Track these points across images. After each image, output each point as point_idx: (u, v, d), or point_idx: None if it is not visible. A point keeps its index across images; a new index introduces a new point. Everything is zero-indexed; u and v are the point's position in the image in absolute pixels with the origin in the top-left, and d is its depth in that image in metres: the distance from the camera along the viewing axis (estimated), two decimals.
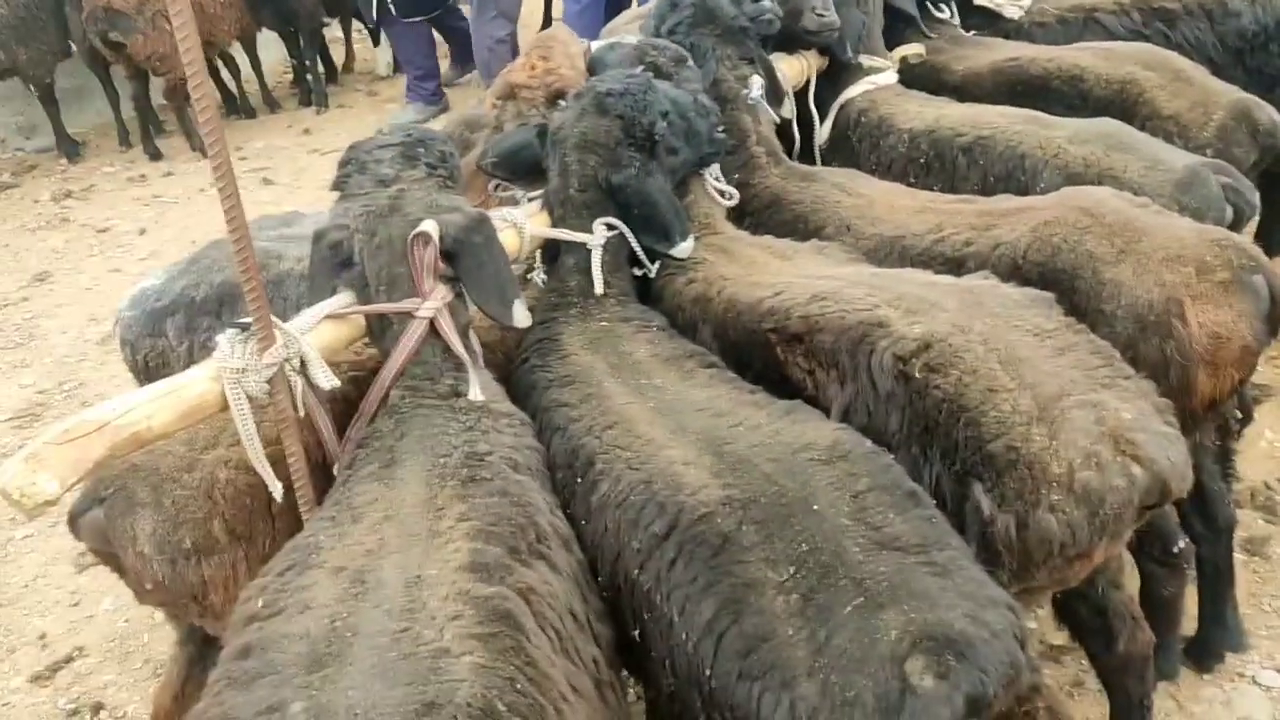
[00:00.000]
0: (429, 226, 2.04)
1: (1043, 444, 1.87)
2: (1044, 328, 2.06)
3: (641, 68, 2.69)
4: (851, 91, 3.37)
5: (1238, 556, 3.10)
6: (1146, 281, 2.26)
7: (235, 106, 8.40)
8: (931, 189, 2.99)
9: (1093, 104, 3.20)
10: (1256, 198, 2.87)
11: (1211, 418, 2.43)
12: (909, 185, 3.03)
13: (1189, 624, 2.82)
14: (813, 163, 3.39)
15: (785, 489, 1.77)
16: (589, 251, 2.43)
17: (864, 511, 1.73)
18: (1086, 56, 3.36)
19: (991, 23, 3.96)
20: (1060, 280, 2.34)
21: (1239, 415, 3.25)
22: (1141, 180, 2.71)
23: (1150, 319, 2.24)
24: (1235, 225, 2.75)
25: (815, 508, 1.73)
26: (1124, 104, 3.17)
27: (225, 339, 1.92)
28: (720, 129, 2.76)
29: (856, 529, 1.71)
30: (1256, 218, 4.32)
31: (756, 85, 3.01)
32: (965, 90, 3.50)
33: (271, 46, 8.78)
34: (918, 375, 1.97)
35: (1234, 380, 2.29)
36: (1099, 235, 2.34)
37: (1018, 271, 2.39)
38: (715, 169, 2.78)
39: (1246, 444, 3.49)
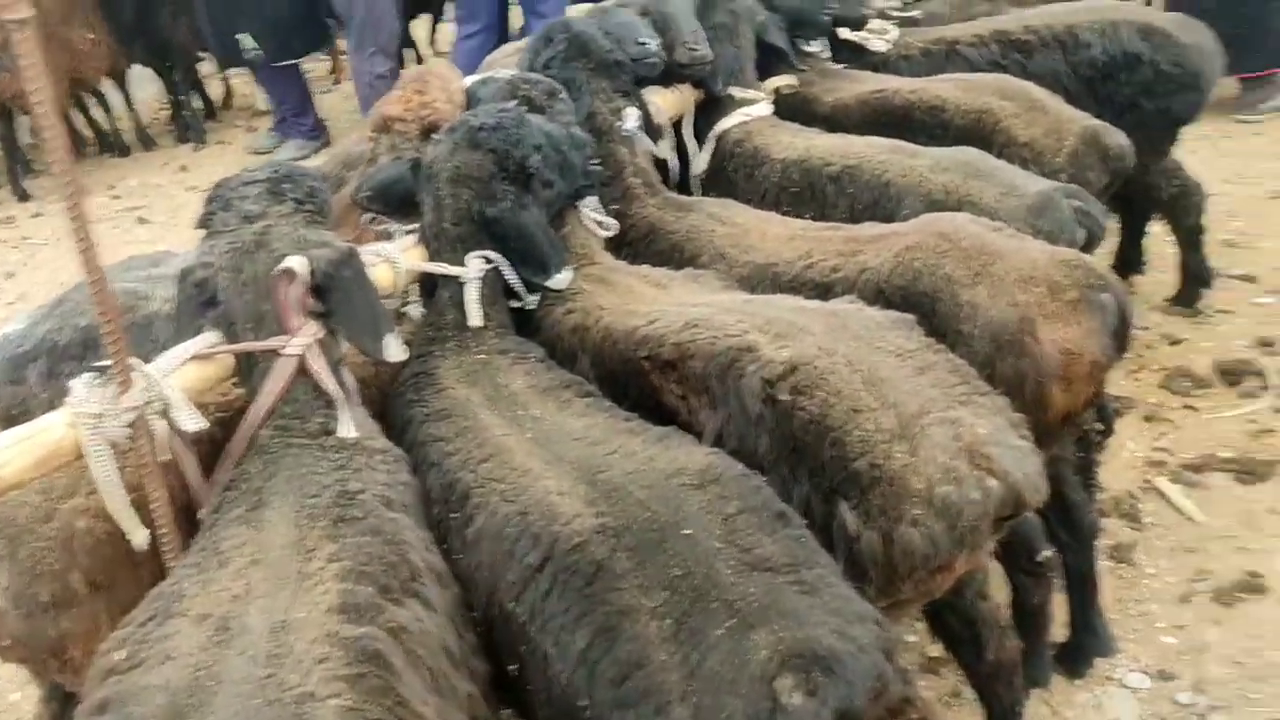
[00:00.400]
0: (295, 262, 2.02)
1: (904, 461, 1.93)
2: (905, 348, 2.14)
3: (515, 101, 2.71)
4: (726, 123, 3.45)
5: (1105, 563, 3.25)
6: (1001, 302, 2.36)
7: (109, 144, 8.16)
8: (804, 217, 3.07)
9: (953, 133, 3.34)
10: (1107, 219, 3.02)
11: (1069, 431, 2.54)
12: (783, 214, 3.10)
13: (1061, 632, 2.93)
14: (691, 193, 3.45)
15: (658, 515, 1.79)
16: (464, 285, 2.43)
17: (735, 534, 1.76)
18: (947, 87, 3.50)
19: (860, 56, 4.09)
20: (922, 303, 2.42)
21: (1100, 428, 3.41)
22: (998, 205, 2.83)
23: (1005, 338, 2.33)
24: (1088, 246, 2.89)
25: (687, 532, 1.76)
26: (982, 132, 3.31)
27: (80, 383, 1.87)
28: (595, 161, 2.80)
29: (728, 551, 1.74)
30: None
31: (632, 117, 3.06)
32: (835, 121, 3.61)
33: (148, 82, 8.57)
34: (785, 398, 2.02)
35: (1086, 394, 2.40)
36: (957, 259, 2.44)
37: (882, 295, 2.47)
38: (593, 200, 2.81)
39: (1110, 455, 3.66)
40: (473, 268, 2.44)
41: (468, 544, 1.93)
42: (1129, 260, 4.68)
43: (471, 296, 2.43)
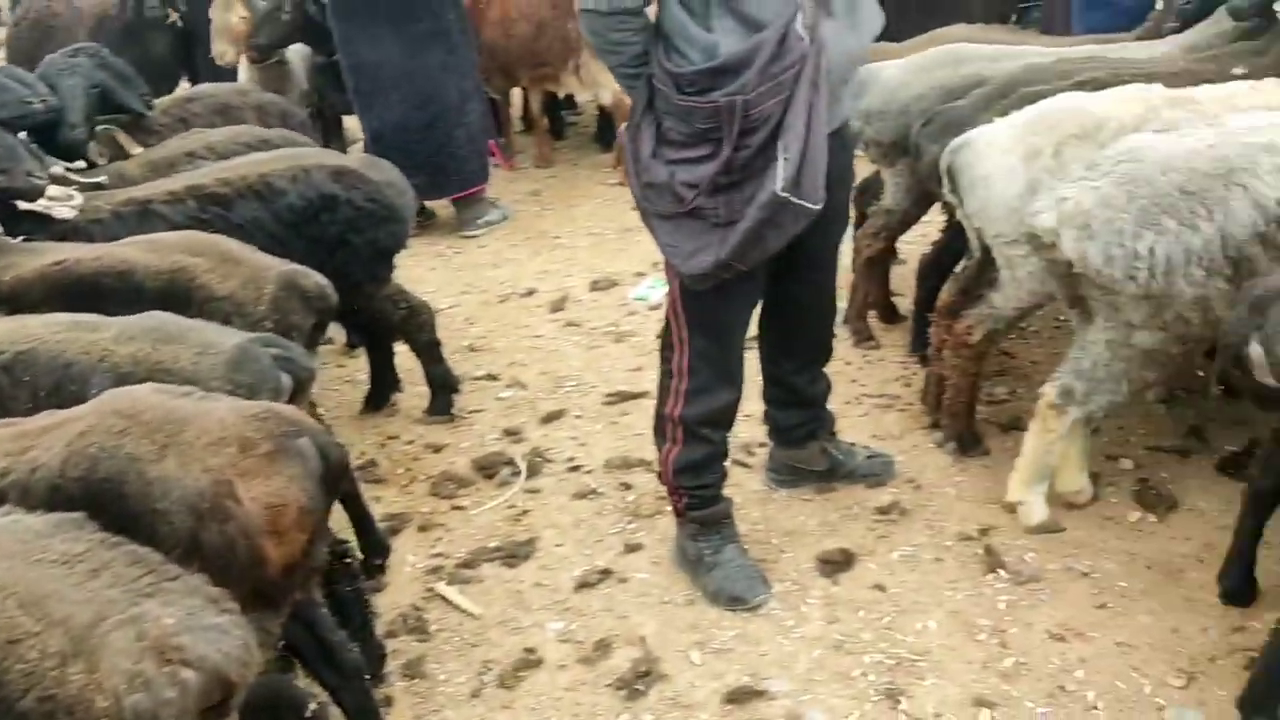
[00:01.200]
0: None
1: (83, 681, 1.72)
2: (73, 552, 1.93)
3: None
4: None
5: (400, 683, 3.29)
6: (193, 471, 2.26)
7: None
8: None
9: (149, 297, 3.19)
10: (313, 362, 3.09)
11: (301, 578, 2.49)
12: None
13: None
14: None
15: None
16: None
17: None
18: (133, 250, 3.35)
19: (46, 226, 3.77)
20: (108, 491, 2.23)
21: (377, 551, 3.48)
22: (194, 368, 2.74)
23: (205, 506, 2.23)
24: (298, 393, 2.91)
25: None
26: (179, 292, 3.21)
27: None
28: None
29: None
30: None
31: None
32: (17, 301, 3.26)
33: None
34: None
35: (303, 541, 2.38)
36: (138, 435, 2.29)
37: (60, 492, 2.22)
38: None
39: (393, 573, 3.75)
40: None
41: None
42: (384, 383, 4.92)
43: None
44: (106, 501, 2.18)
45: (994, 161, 3.53)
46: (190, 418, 2.35)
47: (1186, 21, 4.42)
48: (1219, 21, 4.25)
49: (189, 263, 3.28)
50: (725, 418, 3.52)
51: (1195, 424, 4.14)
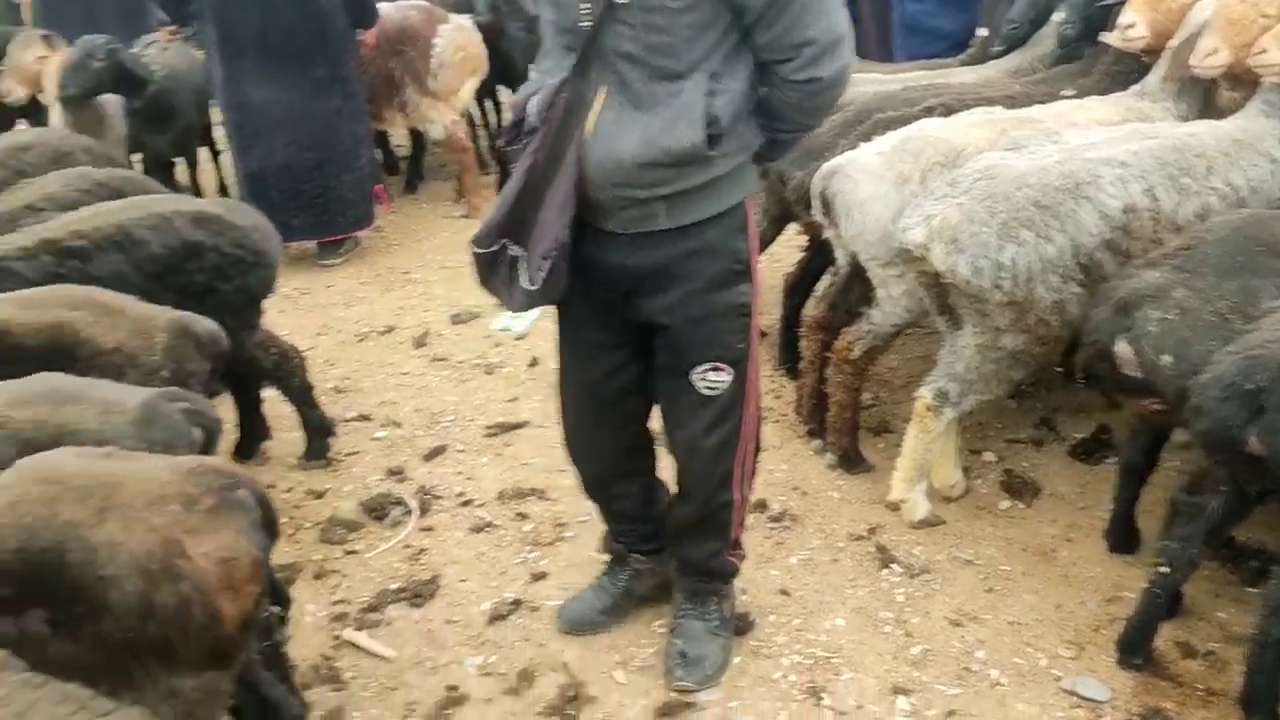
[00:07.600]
0: None
1: None
2: None
3: None
4: None
5: None
6: (138, 532, 2.16)
7: None
8: None
9: (32, 357, 2.99)
10: (217, 412, 2.99)
11: (250, 634, 2.42)
12: None
13: None
14: None
15: None
16: None
17: None
18: (6, 308, 3.14)
19: None
20: (50, 561, 2.11)
21: (277, 609, 3.37)
22: (101, 428, 2.60)
23: (154, 568, 2.14)
24: (208, 445, 2.82)
25: None
26: (63, 348, 3.03)
27: None
28: None
29: None
30: None
31: None
32: None
33: None
34: None
35: (256, 594, 2.31)
36: (73, 500, 2.17)
37: None
38: None
39: (294, 625, 3.64)
40: None
41: None
42: (253, 431, 4.76)
43: None
44: (51, 572, 2.07)
45: (869, 188, 3.76)
46: (124, 478, 2.25)
47: (1010, 47, 4.84)
48: (1035, 46, 4.67)
49: (70, 317, 3.11)
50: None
51: (1045, 415, 4.53)
